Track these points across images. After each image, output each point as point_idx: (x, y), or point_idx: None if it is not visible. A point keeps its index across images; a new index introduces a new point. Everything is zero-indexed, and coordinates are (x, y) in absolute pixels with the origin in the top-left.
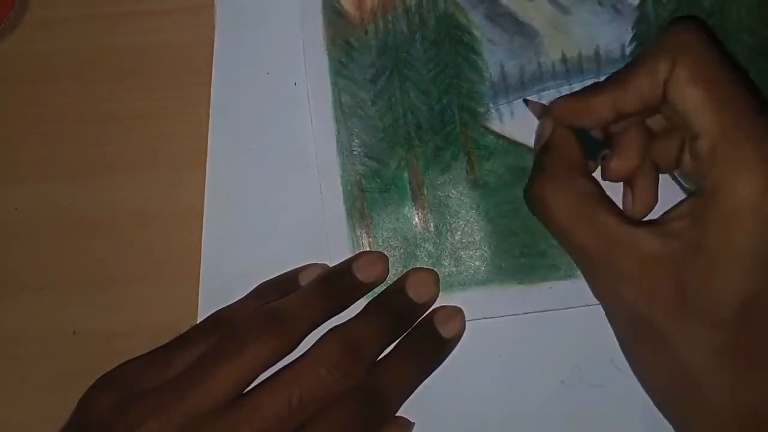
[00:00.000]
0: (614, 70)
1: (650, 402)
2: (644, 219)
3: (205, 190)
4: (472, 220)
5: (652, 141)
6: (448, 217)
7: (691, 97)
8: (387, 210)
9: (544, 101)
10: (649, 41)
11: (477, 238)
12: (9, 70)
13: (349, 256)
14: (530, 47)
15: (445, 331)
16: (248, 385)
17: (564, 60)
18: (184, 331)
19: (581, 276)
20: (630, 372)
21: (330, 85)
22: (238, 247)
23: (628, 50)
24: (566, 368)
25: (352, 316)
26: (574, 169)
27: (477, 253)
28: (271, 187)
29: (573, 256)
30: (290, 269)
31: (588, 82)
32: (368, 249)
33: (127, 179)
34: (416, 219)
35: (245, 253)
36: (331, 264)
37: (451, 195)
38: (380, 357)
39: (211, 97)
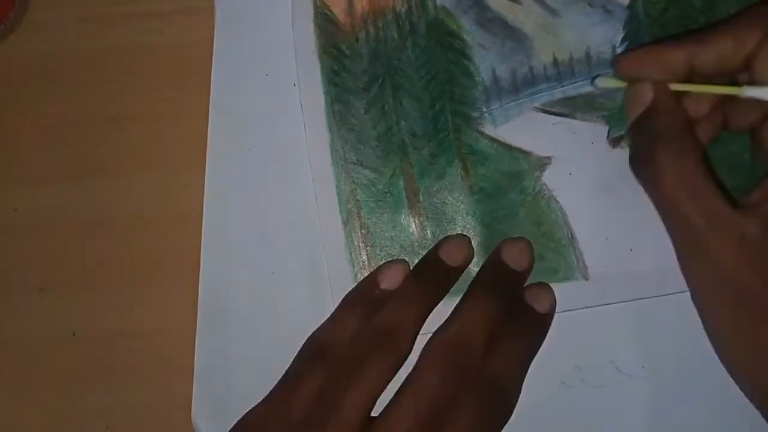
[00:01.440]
0: (606, 71)
1: (650, 403)
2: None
3: (204, 191)
4: (468, 226)
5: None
6: (445, 224)
7: None
8: (383, 218)
9: (537, 104)
10: (640, 40)
11: (474, 244)
12: (8, 71)
13: (347, 265)
14: (521, 51)
15: (540, 307)
16: (374, 406)
17: (555, 63)
18: (288, 368)
19: (579, 279)
20: (630, 373)
21: (323, 93)
22: (238, 248)
23: (619, 50)
24: (566, 369)
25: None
26: (685, 131)
27: (474, 259)
28: (271, 188)
29: (672, 223)
30: (368, 274)
31: (580, 84)
32: (365, 257)
33: (126, 180)
34: (413, 226)
35: (244, 255)
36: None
37: (447, 201)
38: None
39: (211, 99)
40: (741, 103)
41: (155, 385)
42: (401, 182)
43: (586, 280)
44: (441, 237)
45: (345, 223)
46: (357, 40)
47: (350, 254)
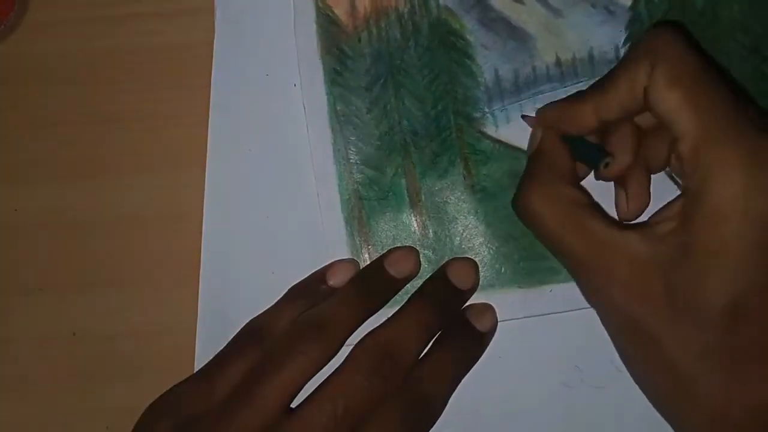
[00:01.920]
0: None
1: (650, 403)
2: (635, 221)
3: (204, 191)
4: (470, 225)
5: (642, 139)
6: (447, 223)
7: (671, 100)
8: (385, 218)
9: (540, 105)
10: None
11: (476, 244)
12: (9, 72)
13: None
14: (524, 51)
15: (481, 326)
16: (294, 397)
17: (558, 63)
18: (224, 346)
19: None
20: None
21: (325, 94)
22: (238, 248)
23: (622, 51)
24: (567, 369)
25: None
26: (560, 176)
27: (476, 258)
28: (271, 188)
29: (563, 262)
30: (317, 269)
31: (583, 85)
32: (367, 257)
33: (126, 181)
34: (415, 226)
35: (245, 255)
36: None
37: (449, 201)
38: (421, 355)
39: (211, 99)
40: (649, 145)
41: (155, 385)
42: (403, 181)
43: None
44: (443, 236)
45: (347, 222)
46: (359, 40)
47: (351, 253)
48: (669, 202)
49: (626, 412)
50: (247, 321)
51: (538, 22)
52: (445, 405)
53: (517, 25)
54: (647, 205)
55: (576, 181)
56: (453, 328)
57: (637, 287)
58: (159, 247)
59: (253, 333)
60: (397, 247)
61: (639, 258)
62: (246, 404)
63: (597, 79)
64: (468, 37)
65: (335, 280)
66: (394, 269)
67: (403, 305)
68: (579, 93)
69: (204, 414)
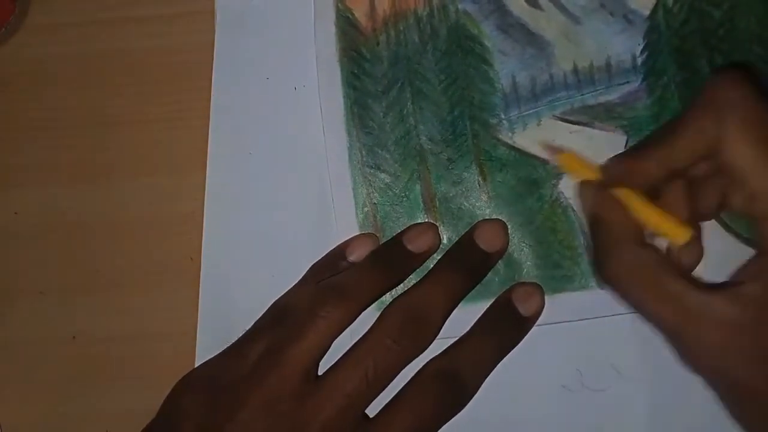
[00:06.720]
0: (625, 81)
1: (651, 406)
2: (710, 281)
3: (205, 195)
4: None
5: (695, 189)
6: (461, 229)
7: (744, 156)
8: (399, 223)
9: (557, 112)
10: (660, 51)
11: None
12: (9, 75)
13: None
14: (542, 58)
15: (525, 309)
16: (319, 361)
17: (575, 71)
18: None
19: (594, 288)
20: (631, 375)
21: (342, 97)
22: (239, 251)
23: (639, 60)
24: (568, 373)
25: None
26: (631, 239)
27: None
28: (271, 191)
29: (653, 326)
30: (337, 245)
31: (599, 93)
32: None
33: (127, 184)
34: None
35: (245, 258)
36: None
37: (463, 207)
38: (459, 338)
39: (211, 102)
40: (701, 194)
41: (156, 388)
42: (418, 187)
43: (602, 289)
44: None
45: (361, 227)
46: (378, 43)
47: None
48: (748, 260)
49: (627, 415)
50: (251, 322)
51: (556, 29)
52: (479, 388)
53: (536, 31)
54: (701, 257)
55: (644, 240)
56: (493, 310)
57: (732, 349)
58: (159, 250)
59: (274, 312)
60: (416, 223)
61: (729, 322)
62: (271, 371)
63: (614, 87)
64: (486, 42)
65: (355, 255)
66: (413, 245)
67: (430, 270)
68: (641, 146)
69: (231, 384)
